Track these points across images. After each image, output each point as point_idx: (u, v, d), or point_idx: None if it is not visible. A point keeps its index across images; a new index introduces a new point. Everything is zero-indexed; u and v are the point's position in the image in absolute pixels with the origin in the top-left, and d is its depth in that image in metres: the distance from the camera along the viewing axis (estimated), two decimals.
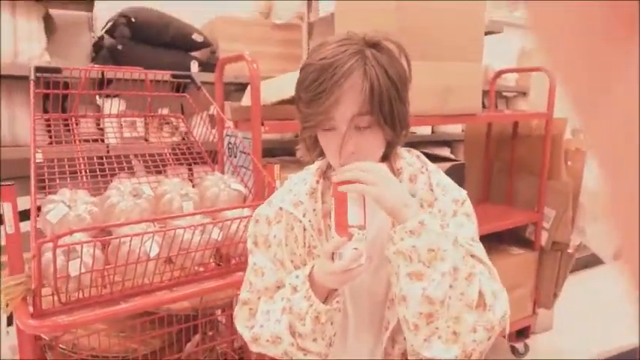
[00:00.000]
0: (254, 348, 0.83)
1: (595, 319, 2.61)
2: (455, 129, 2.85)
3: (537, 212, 2.09)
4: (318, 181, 0.85)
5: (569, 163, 2.18)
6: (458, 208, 0.82)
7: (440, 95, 1.64)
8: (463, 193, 0.85)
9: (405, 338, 0.79)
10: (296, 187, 0.86)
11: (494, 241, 2.14)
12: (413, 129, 2.67)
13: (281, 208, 0.84)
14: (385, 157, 0.84)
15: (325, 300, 0.75)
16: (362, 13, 1.68)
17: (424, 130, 2.74)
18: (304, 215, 0.82)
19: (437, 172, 0.86)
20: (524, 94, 3.23)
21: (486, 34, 2.41)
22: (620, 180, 0.18)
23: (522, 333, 2.24)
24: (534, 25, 0.20)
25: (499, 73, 2.36)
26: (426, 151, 1.69)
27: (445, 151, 2.85)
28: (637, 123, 0.17)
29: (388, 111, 0.73)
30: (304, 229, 0.82)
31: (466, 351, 0.71)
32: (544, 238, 2.12)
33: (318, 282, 0.75)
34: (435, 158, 1.63)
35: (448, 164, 1.59)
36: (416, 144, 2.58)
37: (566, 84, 0.20)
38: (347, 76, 0.70)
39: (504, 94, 3.36)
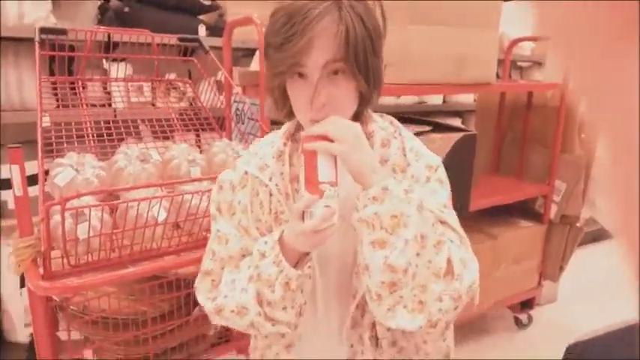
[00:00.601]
0: (217, 320, 0.79)
1: (600, 293, 2.62)
2: (467, 99, 2.80)
3: (548, 185, 2.06)
4: (285, 144, 0.80)
5: (582, 135, 2.13)
6: (431, 174, 0.79)
7: (454, 63, 1.59)
8: (437, 159, 0.82)
9: None
10: (262, 150, 0.82)
11: (503, 214, 2.13)
12: (425, 98, 2.62)
13: (246, 172, 0.80)
14: (356, 118, 0.79)
15: (295, 266, 0.72)
16: None
17: (435, 100, 2.69)
18: (270, 179, 0.78)
19: (411, 138, 0.83)
20: (539, 64, 3.15)
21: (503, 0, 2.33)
22: (621, 163, 0.19)
23: (527, 304, 2.26)
24: (542, 22, 0.21)
25: (515, 42, 2.29)
26: (438, 120, 1.66)
27: (456, 122, 2.80)
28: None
29: (363, 60, 0.69)
30: (270, 194, 0.78)
31: (432, 320, 0.69)
32: (553, 211, 2.10)
33: (288, 246, 0.71)
34: (446, 128, 1.60)
35: (460, 134, 1.56)
36: (427, 113, 2.54)
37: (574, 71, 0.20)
38: (321, 18, 0.66)
39: (519, 63, 3.27)
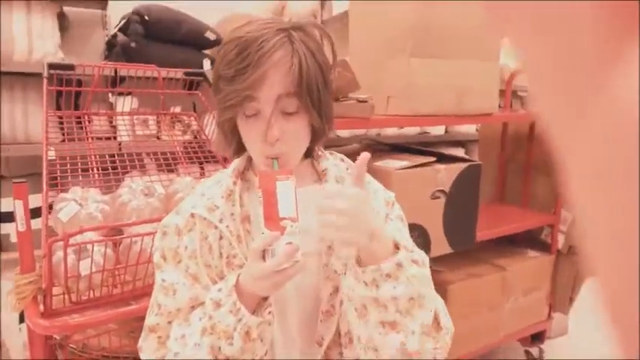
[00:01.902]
0: None
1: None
2: (469, 129, 2.81)
3: (554, 214, 2.04)
4: (235, 182, 0.75)
5: None
6: (390, 211, 0.78)
7: (456, 94, 1.61)
8: (391, 195, 0.81)
9: (340, 353, 0.73)
10: (209, 190, 0.77)
11: (509, 244, 2.10)
12: (427, 128, 2.64)
13: (192, 215, 0.74)
14: (308, 155, 0.78)
15: (253, 313, 0.67)
16: (376, 10, 1.65)
17: (438, 130, 2.70)
18: (221, 221, 0.73)
19: None
20: None
21: None
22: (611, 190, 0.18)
23: (537, 337, 2.20)
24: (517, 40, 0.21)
25: (515, 73, 2.31)
26: (441, 151, 1.65)
27: (459, 152, 2.81)
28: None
29: (316, 95, 0.67)
30: (221, 237, 0.73)
31: None
32: (561, 241, 2.07)
33: (246, 292, 0.66)
34: (450, 158, 1.59)
35: (464, 165, 1.55)
36: (430, 144, 2.55)
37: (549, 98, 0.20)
38: (274, 51, 0.64)
39: (520, 94, 3.30)
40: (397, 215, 0.79)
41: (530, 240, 2.13)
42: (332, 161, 0.80)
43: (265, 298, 0.68)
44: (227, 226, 0.73)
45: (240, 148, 0.75)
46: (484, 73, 1.67)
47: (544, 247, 2.09)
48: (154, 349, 0.74)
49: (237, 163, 0.79)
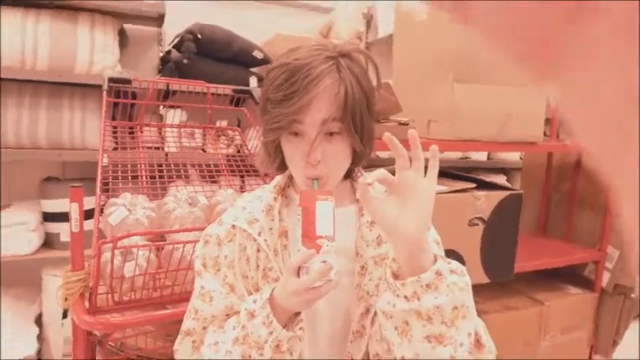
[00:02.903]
0: None
1: None
2: (512, 156, 2.75)
3: (599, 250, 1.95)
4: (275, 198, 0.78)
5: None
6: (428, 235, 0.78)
7: (500, 121, 1.59)
8: None
9: None
10: (250, 204, 0.80)
11: (548, 278, 2.02)
12: (468, 153, 2.60)
13: (234, 226, 0.77)
14: (347, 176, 0.80)
15: (285, 327, 0.68)
16: (421, 34, 1.67)
17: (480, 156, 2.66)
18: (259, 234, 0.75)
19: None
20: None
21: None
22: None
23: None
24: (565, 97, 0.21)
25: None
26: (482, 177, 1.63)
27: (501, 179, 2.75)
28: None
29: (359, 120, 0.70)
30: (258, 250, 0.75)
31: None
32: (606, 279, 1.97)
33: (280, 306, 0.67)
34: (490, 185, 1.57)
35: (505, 193, 1.53)
36: (470, 169, 2.51)
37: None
38: (322, 78, 0.67)
39: None
40: (433, 239, 0.80)
41: (572, 276, 2.04)
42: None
43: (297, 314, 0.70)
44: (265, 240, 0.76)
45: (282, 165, 0.78)
46: (530, 100, 1.65)
47: (587, 285, 2.00)
48: (188, 353, 0.77)
49: (278, 179, 0.82)
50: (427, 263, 0.63)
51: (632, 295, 1.97)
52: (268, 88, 0.71)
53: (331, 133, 0.70)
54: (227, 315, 0.76)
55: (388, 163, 2.15)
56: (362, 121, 0.71)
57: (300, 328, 0.69)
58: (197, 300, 0.77)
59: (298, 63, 0.68)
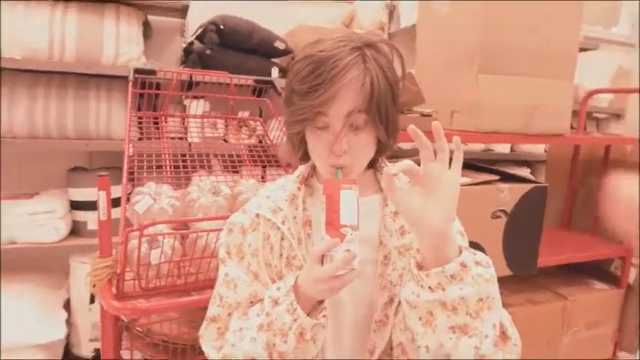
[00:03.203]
0: None
1: None
2: (536, 149, 2.70)
3: (626, 246, 1.91)
4: (299, 188, 0.79)
5: None
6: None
7: (524, 113, 1.56)
8: None
9: None
10: (274, 193, 0.80)
11: (573, 273, 1.99)
12: (492, 145, 2.56)
13: (257, 215, 0.78)
14: (371, 166, 0.79)
15: (309, 315, 0.69)
16: (444, 24, 1.64)
17: (503, 148, 2.62)
18: (283, 222, 0.76)
19: None
20: (617, 116, 2.99)
21: (580, 50, 2.27)
22: None
23: None
24: None
25: (591, 93, 2.20)
26: (505, 169, 1.61)
27: (524, 171, 2.70)
28: None
29: (384, 111, 0.69)
30: (282, 238, 0.76)
31: None
32: (632, 275, 1.93)
33: (304, 294, 0.68)
34: (514, 178, 1.54)
35: (529, 186, 1.50)
36: (494, 161, 2.47)
37: None
38: (348, 70, 0.66)
39: (595, 115, 3.13)
40: (458, 230, 0.79)
41: (597, 271, 2.00)
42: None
43: (321, 302, 0.70)
44: (289, 228, 0.76)
45: (305, 155, 0.78)
46: (556, 92, 1.61)
47: (613, 280, 1.96)
48: (213, 339, 0.78)
49: (302, 169, 0.82)
50: (452, 255, 0.63)
51: None
52: (293, 80, 0.71)
53: (358, 128, 0.70)
54: (251, 302, 0.76)
55: (410, 154, 2.14)
56: (387, 113, 0.70)
57: (324, 316, 0.69)
58: (222, 287, 0.78)
59: (324, 55, 0.68)
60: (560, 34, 1.59)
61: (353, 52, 0.68)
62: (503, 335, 0.65)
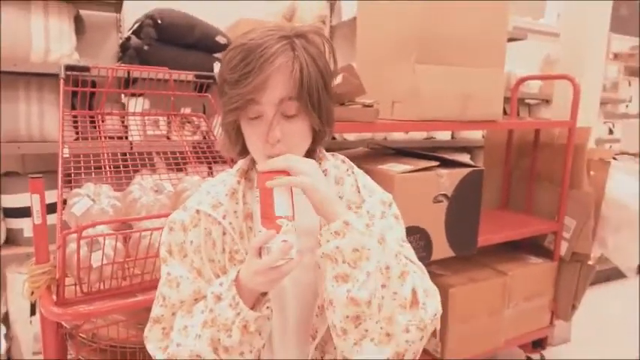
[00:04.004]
0: None
1: (614, 333, 2.55)
2: (475, 135, 2.83)
3: (557, 222, 2.05)
4: (239, 182, 0.79)
5: (591, 172, 2.14)
6: (386, 210, 0.80)
7: (460, 101, 1.63)
8: (389, 196, 0.84)
9: (335, 348, 0.75)
10: (214, 188, 0.80)
11: (511, 250, 2.12)
12: (433, 133, 2.66)
13: (198, 211, 0.78)
14: (310, 156, 0.80)
15: (252, 307, 0.69)
16: (383, 16, 1.69)
17: (444, 135, 2.73)
18: (224, 217, 0.76)
19: (363, 175, 0.85)
20: (547, 101, 3.19)
21: (510, 40, 2.39)
22: None
23: (539, 344, 2.20)
24: None
25: (521, 80, 2.34)
26: (446, 156, 1.68)
27: (465, 157, 2.83)
28: None
29: (316, 99, 0.71)
30: (223, 233, 0.76)
31: (399, 352, 0.68)
32: (564, 248, 2.08)
33: (246, 287, 0.68)
34: (453, 163, 1.62)
35: (467, 170, 1.58)
36: (436, 149, 2.57)
37: None
38: (276, 57, 0.67)
39: (527, 101, 3.32)
40: (393, 214, 0.82)
41: (533, 246, 2.14)
42: (333, 162, 0.83)
43: (264, 294, 0.71)
44: (230, 223, 0.76)
45: (244, 150, 0.78)
46: (489, 80, 1.70)
47: (547, 254, 2.10)
48: (158, 339, 0.77)
49: (241, 163, 0.83)
50: (341, 216, 0.68)
51: (589, 262, 2.09)
52: (224, 70, 0.72)
53: (290, 116, 0.71)
54: (195, 300, 0.76)
55: (354, 146, 2.17)
56: (319, 100, 0.72)
57: (267, 308, 0.70)
58: (164, 287, 0.77)
59: (253, 43, 0.69)
60: (491, 25, 1.68)
61: (282, 40, 0.69)
62: (415, 300, 0.69)
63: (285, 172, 0.68)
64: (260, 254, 0.66)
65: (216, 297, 0.70)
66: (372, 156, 1.75)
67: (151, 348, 0.78)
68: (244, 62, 0.68)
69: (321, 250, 0.68)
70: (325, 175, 0.80)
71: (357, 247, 0.66)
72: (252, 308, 0.69)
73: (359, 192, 0.80)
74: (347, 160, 0.86)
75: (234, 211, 0.77)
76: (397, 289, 0.69)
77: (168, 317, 0.77)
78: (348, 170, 0.83)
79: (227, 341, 0.68)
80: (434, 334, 0.75)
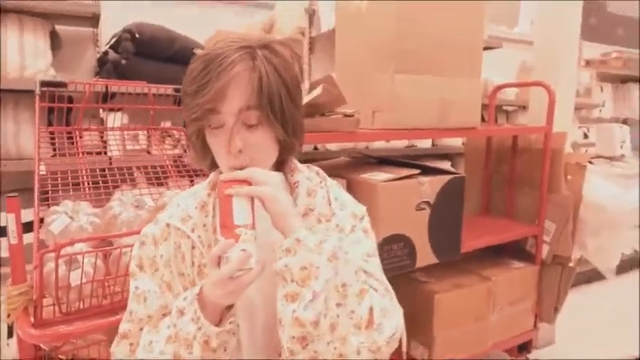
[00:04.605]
0: None
1: (597, 334, 2.59)
2: (455, 142, 2.87)
3: (538, 225, 2.09)
4: (209, 194, 0.78)
5: (569, 177, 2.18)
6: (357, 224, 0.80)
7: (439, 109, 1.66)
8: (362, 209, 0.83)
9: None
10: (185, 201, 0.80)
11: (494, 255, 2.14)
12: (413, 142, 2.69)
13: (168, 225, 0.77)
14: (280, 168, 0.80)
15: (219, 323, 0.68)
16: (361, 27, 1.71)
17: (425, 144, 2.76)
18: (193, 230, 0.76)
19: (336, 187, 0.84)
20: (524, 107, 3.26)
21: (486, 49, 2.45)
22: None
23: (524, 347, 2.22)
24: None
25: (498, 88, 2.38)
26: (427, 164, 1.70)
27: (446, 165, 2.86)
28: None
29: (278, 108, 0.70)
30: (192, 247, 0.75)
31: None
32: (545, 251, 2.11)
33: (209, 300, 0.66)
34: (434, 171, 1.64)
35: (448, 177, 1.60)
36: (417, 157, 2.60)
37: None
38: (234, 65, 0.67)
39: (504, 108, 3.39)
40: (362, 227, 0.81)
41: (515, 251, 2.17)
42: (306, 174, 0.82)
43: (229, 308, 0.69)
44: (199, 236, 0.76)
45: (214, 163, 0.77)
46: (466, 88, 1.73)
47: (529, 258, 2.13)
48: (125, 355, 0.75)
49: (212, 176, 0.82)
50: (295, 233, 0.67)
51: (570, 265, 2.13)
52: (186, 82, 0.71)
53: (251, 121, 0.70)
54: (163, 315, 0.75)
55: (336, 156, 2.17)
56: (282, 111, 0.71)
57: (231, 323, 0.69)
58: (132, 302, 0.76)
59: (213, 53, 0.69)
60: (467, 34, 1.71)
61: (242, 50, 0.69)
62: (370, 320, 0.68)
63: (247, 182, 0.68)
64: (219, 264, 0.65)
65: (180, 311, 0.69)
66: (353, 165, 1.76)
67: None
68: (203, 72, 0.68)
69: (272, 267, 0.66)
70: (296, 188, 0.80)
71: (306, 265, 0.64)
72: (220, 322, 0.68)
73: (330, 205, 0.80)
74: (321, 171, 0.85)
75: (203, 224, 0.76)
76: (354, 307, 0.67)
77: (135, 333, 0.75)
78: (321, 182, 0.82)
79: (188, 357, 0.67)
80: (398, 352, 0.73)
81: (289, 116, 0.72)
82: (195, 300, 0.67)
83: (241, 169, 0.70)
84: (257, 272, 0.65)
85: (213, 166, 0.78)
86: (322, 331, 0.64)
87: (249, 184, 0.67)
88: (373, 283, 0.73)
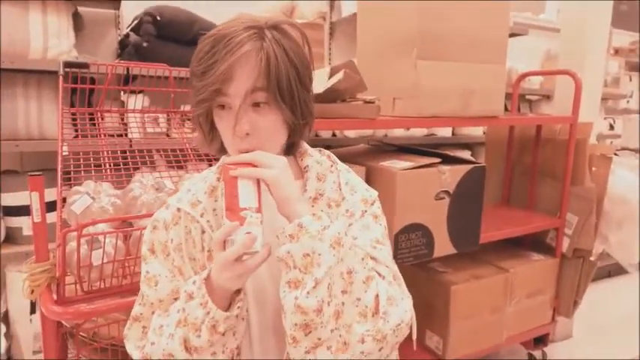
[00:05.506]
0: None
1: (616, 329, 2.55)
2: (476, 131, 2.82)
3: (559, 218, 2.04)
4: (218, 179, 0.77)
5: (593, 168, 2.13)
6: (367, 209, 0.78)
7: (462, 97, 1.62)
8: (374, 194, 0.81)
9: None
10: (195, 186, 0.79)
11: (513, 246, 2.11)
12: (433, 130, 2.65)
13: (178, 210, 0.76)
14: (290, 151, 0.79)
15: (228, 307, 0.67)
16: (383, 13, 1.67)
17: (445, 132, 2.71)
18: (202, 215, 0.75)
19: (347, 172, 0.82)
20: (548, 97, 3.18)
21: (511, 36, 2.38)
22: None
23: (541, 340, 2.20)
24: None
25: (523, 76, 2.32)
26: (447, 152, 1.67)
27: (466, 154, 2.82)
28: None
29: (287, 90, 0.68)
30: (202, 231, 0.75)
31: None
32: (566, 244, 2.07)
33: (217, 284, 0.66)
34: (455, 160, 1.61)
35: (468, 166, 1.57)
36: (436, 146, 2.56)
37: None
38: (241, 46, 0.65)
39: (528, 97, 3.31)
40: (372, 213, 0.79)
41: (535, 243, 2.14)
42: (316, 158, 0.80)
43: (238, 293, 0.69)
44: (208, 221, 0.75)
45: (223, 147, 0.76)
46: (490, 76, 1.68)
47: (549, 251, 2.09)
48: (137, 338, 0.76)
49: (222, 159, 0.80)
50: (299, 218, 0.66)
51: (591, 258, 2.08)
52: (193, 62, 0.70)
53: (258, 104, 0.68)
54: (175, 299, 0.74)
55: (355, 143, 2.16)
56: (291, 93, 0.69)
57: (239, 308, 0.68)
58: (144, 285, 0.76)
59: (220, 33, 0.67)
60: (492, 20, 1.66)
61: (249, 29, 0.67)
62: (376, 307, 0.67)
63: (252, 166, 0.66)
64: (225, 247, 0.64)
65: (189, 296, 0.68)
66: (373, 153, 1.74)
67: (129, 347, 0.77)
68: (210, 53, 0.66)
69: (275, 253, 0.65)
70: (306, 172, 0.78)
71: (308, 252, 0.63)
72: (229, 307, 0.68)
73: (340, 189, 0.78)
74: (332, 156, 0.84)
75: (212, 209, 0.76)
76: (360, 294, 0.66)
77: (147, 316, 0.76)
78: (331, 167, 0.81)
79: (196, 341, 0.67)
80: (409, 340, 0.71)
81: (298, 99, 0.70)
82: (202, 284, 0.67)
83: (248, 152, 0.69)
84: (263, 255, 0.64)
85: (222, 149, 0.77)
86: (325, 319, 0.63)
87: (255, 167, 0.66)
88: (381, 269, 0.72)
